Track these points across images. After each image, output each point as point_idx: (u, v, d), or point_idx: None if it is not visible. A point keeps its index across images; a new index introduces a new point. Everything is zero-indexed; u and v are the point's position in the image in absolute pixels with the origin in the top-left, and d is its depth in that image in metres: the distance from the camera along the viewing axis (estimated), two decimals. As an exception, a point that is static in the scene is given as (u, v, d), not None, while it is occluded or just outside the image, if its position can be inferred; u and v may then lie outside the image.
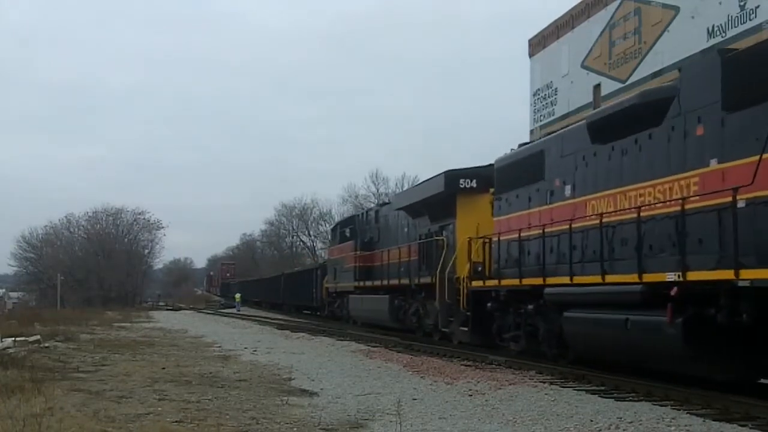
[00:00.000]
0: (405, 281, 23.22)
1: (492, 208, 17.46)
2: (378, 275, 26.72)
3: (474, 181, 19.80)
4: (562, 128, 17.74)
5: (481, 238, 17.57)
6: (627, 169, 12.12)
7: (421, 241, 22.40)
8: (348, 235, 31.23)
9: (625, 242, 11.90)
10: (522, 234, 15.14)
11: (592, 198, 13.04)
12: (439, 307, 19.89)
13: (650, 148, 11.53)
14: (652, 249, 11.23)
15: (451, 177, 20.24)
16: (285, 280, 52.42)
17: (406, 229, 24.81)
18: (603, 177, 12.77)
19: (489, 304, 16.29)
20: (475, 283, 17.15)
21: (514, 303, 15.44)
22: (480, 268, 17.14)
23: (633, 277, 11.21)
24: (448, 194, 20.32)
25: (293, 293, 48.47)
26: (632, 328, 11.01)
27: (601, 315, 11.96)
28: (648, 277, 10.95)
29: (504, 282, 15.66)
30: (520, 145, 17.12)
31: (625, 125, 12.07)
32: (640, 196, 11.68)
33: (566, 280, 13.15)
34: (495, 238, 16.59)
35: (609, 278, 11.94)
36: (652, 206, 11.27)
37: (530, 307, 14.66)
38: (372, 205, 71.01)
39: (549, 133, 18.83)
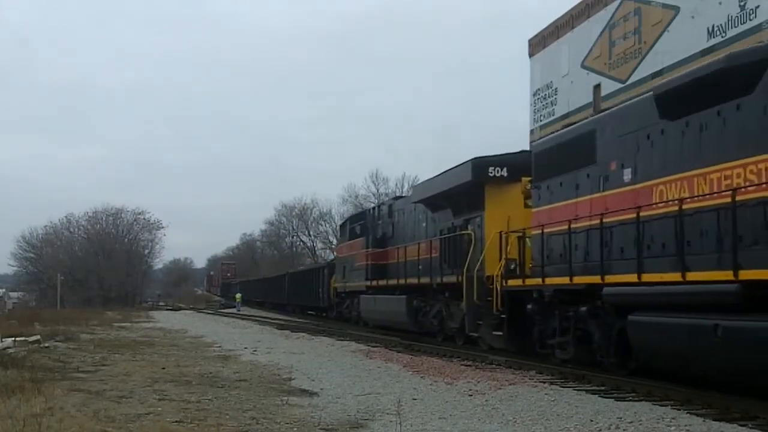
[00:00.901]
0: (425, 280, 21.27)
1: (525, 199, 16.31)
2: (393, 274, 24.84)
3: (504, 169, 17.98)
4: (606, 109, 15.86)
5: (514, 232, 15.96)
6: (707, 147, 10.36)
7: (443, 236, 20.56)
8: (358, 231, 29.57)
9: (707, 233, 10.23)
10: (570, 226, 13.24)
11: (661, 182, 11.22)
12: (467, 309, 17.97)
13: (739, 121, 9.86)
14: (743, 240, 9.49)
15: (479, 165, 18.32)
16: (289, 280, 50.74)
17: (424, 224, 22.92)
18: (675, 158, 10.98)
19: (529, 306, 14.50)
20: (511, 282, 15.38)
21: (559, 305, 13.64)
22: (513, 266, 15.58)
23: (724, 275, 9.53)
24: (475, 184, 18.42)
25: (298, 293, 46.72)
26: (724, 336, 9.34)
27: (680, 320, 10.21)
28: (746, 274, 9.20)
29: (550, 280, 13.79)
30: (563, 127, 15.61)
31: (705, 95, 10.41)
32: (726, 178, 9.92)
33: (632, 278, 11.37)
34: (534, 232, 14.69)
35: (690, 275, 10.19)
36: (745, 190, 9.53)
37: (583, 309, 12.92)
38: (372, 204, 71.72)
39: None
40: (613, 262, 12.07)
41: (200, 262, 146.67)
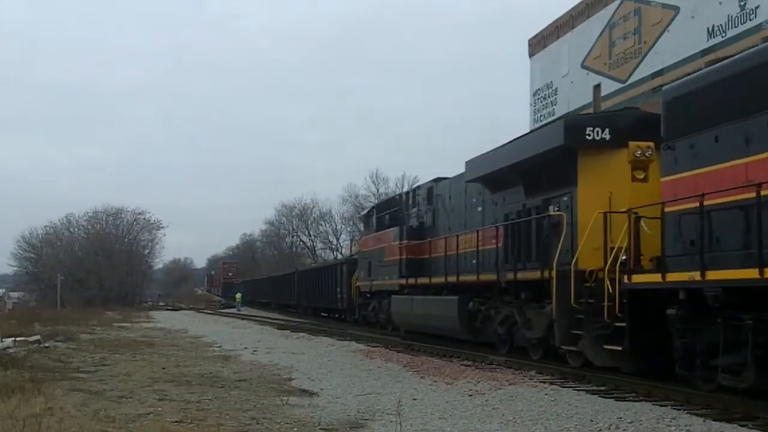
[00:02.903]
0: (488, 277, 16.87)
1: (633, 170, 13.32)
2: (437, 270, 20.52)
3: (606, 131, 13.93)
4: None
5: (625, 212, 12.17)
6: None
7: (512, 221, 16.33)
8: (387, 221, 25.52)
9: None
10: (740, 197, 9.44)
11: None
12: (557, 315, 13.47)
13: None
14: None
15: (574, 126, 14.44)
16: (299, 279, 46.19)
17: (479, 208, 18.63)
18: None
19: (671, 311, 10.65)
20: (639, 279, 11.49)
21: (723, 309, 9.80)
22: (625, 257, 11.98)
23: None
24: (565, 152, 14.29)
25: (311, 293, 42.23)
26: None
27: None
28: None
29: (716, 274, 9.65)
30: (708, 64, 11.91)
31: None
32: None
33: None
34: (674, 208, 10.75)
35: None
36: None
37: None
38: (371, 204, 71.62)
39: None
40: None
41: (200, 262, 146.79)
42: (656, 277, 11.05)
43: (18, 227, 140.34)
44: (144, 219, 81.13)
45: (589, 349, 12.92)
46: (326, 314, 40.14)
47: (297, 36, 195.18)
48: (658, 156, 12.18)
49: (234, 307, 64.19)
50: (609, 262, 12.30)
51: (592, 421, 8.90)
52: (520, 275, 15.40)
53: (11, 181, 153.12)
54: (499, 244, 16.59)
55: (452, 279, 18.90)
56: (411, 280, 21.99)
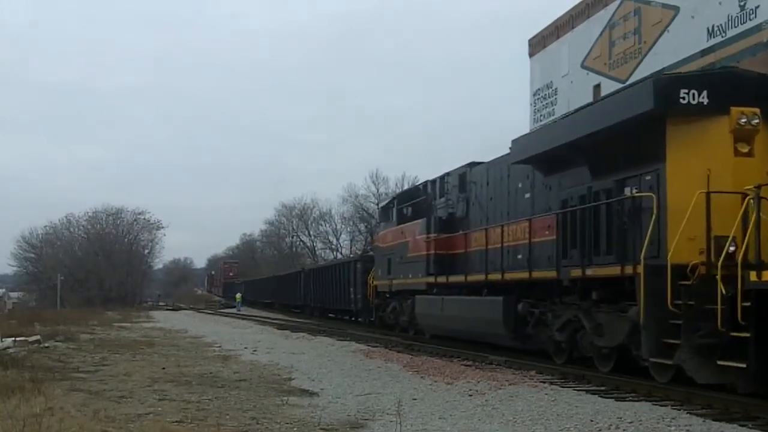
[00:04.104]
0: (545, 274, 14.30)
1: (736, 142, 11.06)
2: (473, 266, 18.07)
3: (704, 93, 11.21)
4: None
5: (738, 193, 10.28)
6: None
7: (578, 207, 13.61)
8: (410, 213, 23.19)
9: None
10: None
11: None
12: (646, 320, 10.80)
13: None
14: None
15: (667, 86, 11.52)
16: (306, 278, 43.53)
17: (527, 195, 16.10)
18: None
19: None
20: None
21: None
22: (733, 248, 9.78)
23: None
24: (651, 119, 11.56)
25: (319, 294, 39.78)
26: None
27: None
28: None
29: None
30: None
31: None
32: None
33: None
34: None
35: None
36: None
37: None
38: (373, 205, 71.90)
39: None
40: None
41: (200, 262, 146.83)
42: None
43: (18, 227, 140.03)
44: (144, 219, 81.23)
45: (690, 362, 10.27)
46: (332, 315, 38.57)
47: (297, 36, 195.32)
48: (767, 125, 10.86)
49: (234, 307, 64.16)
50: (723, 257, 9.77)
51: (592, 421, 8.90)
52: (590, 272, 12.73)
53: (11, 181, 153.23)
54: (556, 236, 14.11)
55: (495, 276, 16.27)
56: (441, 279, 19.57)
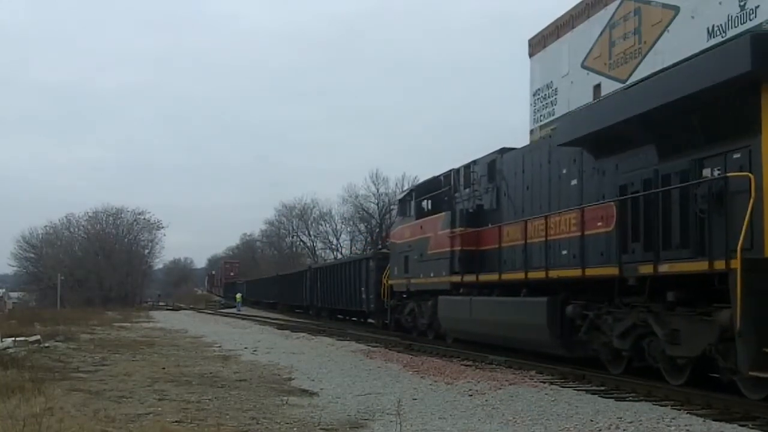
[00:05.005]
0: (604, 271, 12.27)
1: None
2: (508, 263, 15.98)
3: None
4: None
5: None
6: None
7: (642, 193, 11.68)
8: (430, 206, 21.49)
9: None
10: None
11: None
12: (744, 326, 9.00)
13: None
14: None
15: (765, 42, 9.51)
16: (312, 277, 41.26)
17: (575, 182, 14.15)
18: None
19: None
20: None
21: None
22: None
23: None
24: (747, 84, 9.62)
25: (327, 293, 37.62)
26: None
27: None
28: None
29: None
30: None
31: None
32: None
33: None
34: None
35: None
36: None
37: None
38: (373, 205, 71.94)
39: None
40: None
41: (200, 262, 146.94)
42: None
43: (18, 227, 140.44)
44: (144, 219, 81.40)
45: None
46: (341, 316, 37.02)
47: (297, 36, 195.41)
48: None
49: (234, 307, 64.13)
50: None
51: (592, 421, 8.90)
52: (665, 268, 10.66)
53: (11, 181, 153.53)
54: (613, 227, 12.18)
55: (538, 275, 14.21)
56: (469, 277, 17.37)
